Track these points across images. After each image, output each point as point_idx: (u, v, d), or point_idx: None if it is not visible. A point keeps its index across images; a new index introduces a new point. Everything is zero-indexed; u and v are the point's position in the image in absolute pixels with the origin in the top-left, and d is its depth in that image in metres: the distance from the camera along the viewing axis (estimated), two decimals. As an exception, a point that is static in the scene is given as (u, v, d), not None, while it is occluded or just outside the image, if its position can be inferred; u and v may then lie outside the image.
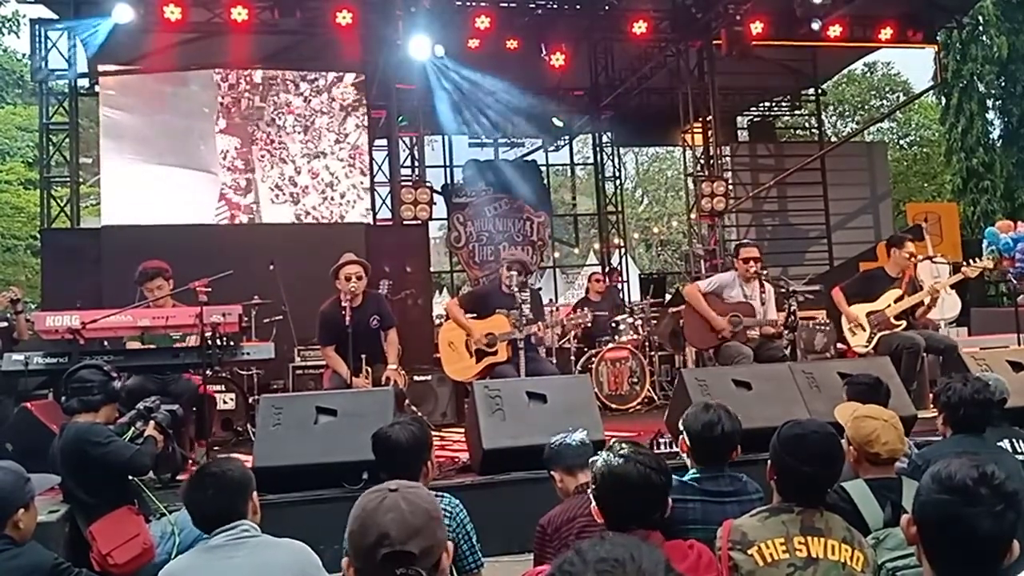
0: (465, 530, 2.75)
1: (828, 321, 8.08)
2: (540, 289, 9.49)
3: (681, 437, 2.88)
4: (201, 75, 10.23)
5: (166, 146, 9.89)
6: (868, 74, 25.29)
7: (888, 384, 3.91)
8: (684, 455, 2.89)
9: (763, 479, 2.51)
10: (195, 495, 2.40)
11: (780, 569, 2.15)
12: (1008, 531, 1.57)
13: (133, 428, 3.71)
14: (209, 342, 4.80)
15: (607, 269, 13.67)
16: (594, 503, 2.23)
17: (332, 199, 10.36)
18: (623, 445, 2.29)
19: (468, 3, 10.42)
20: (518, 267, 5.93)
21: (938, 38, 12.40)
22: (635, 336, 8.31)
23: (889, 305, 6.18)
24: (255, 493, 2.47)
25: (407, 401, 5.96)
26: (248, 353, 5.19)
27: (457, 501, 2.79)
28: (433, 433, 5.27)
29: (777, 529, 2.21)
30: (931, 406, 4.88)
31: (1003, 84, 18.86)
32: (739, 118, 15.80)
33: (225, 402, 6.85)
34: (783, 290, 6.39)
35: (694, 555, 2.15)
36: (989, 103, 19.24)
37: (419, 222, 9.98)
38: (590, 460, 2.40)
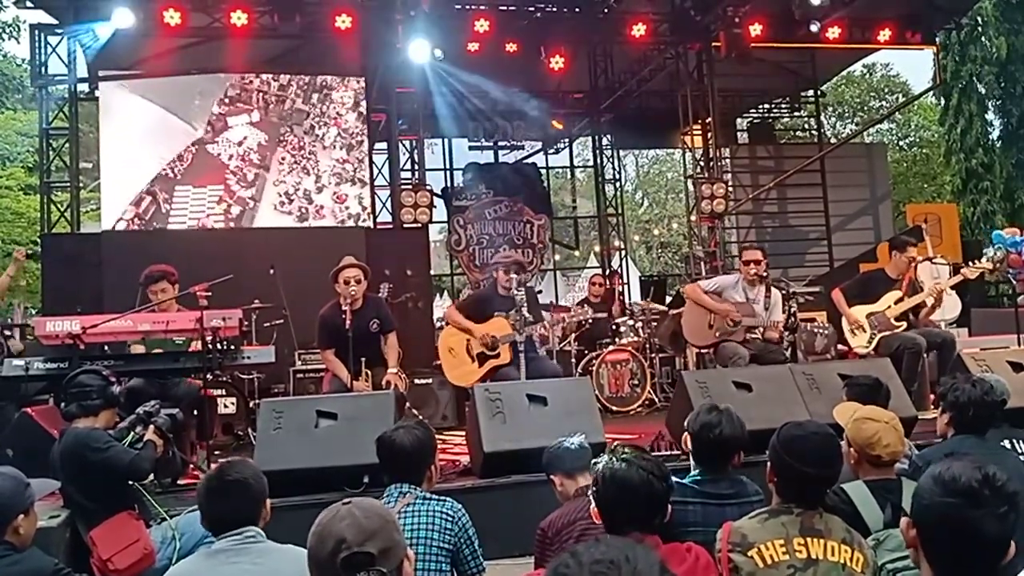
0: (467, 534, 2.74)
1: (828, 323, 8.07)
2: (540, 292, 9.48)
3: (684, 436, 2.88)
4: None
5: (157, 85, 9.75)
6: (867, 75, 25.31)
7: (888, 385, 3.90)
8: (688, 455, 2.88)
9: (763, 481, 2.51)
10: (212, 499, 2.37)
11: (780, 571, 2.15)
12: (1010, 532, 1.57)
13: (133, 433, 3.71)
14: (210, 346, 4.80)
15: (608, 271, 13.68)
16: (593, 504, 2.24)
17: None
18: (626, 449, 2.29)
19: (467, 6, 10.44)
20: (515, 268, 5.93)
21: (937, 39, 12.39)
22: (636, 338, 8.32)
23: (889, 306, 6.18)
24: (268, 500, 2.46)
25: (408, 404, 5.96)
26: (248, 357, 5.19)
27: (459, 505, 2.78)
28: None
29: (777, 531, 2.21)
30: (931, 407, 4.88)
31: (1002, 85, 18.88)
32: (738, 120, 15.79)
33: (226, 406, 6.85)
34: (783, 292, 6.40)
35: (692, 558, 2.15)
36: (988, 104, 19.26)
37: (419, 225, 9.98)
38: (593, 462, 2.40)
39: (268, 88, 10.13)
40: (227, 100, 10.00)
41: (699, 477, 2.74)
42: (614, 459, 2.22)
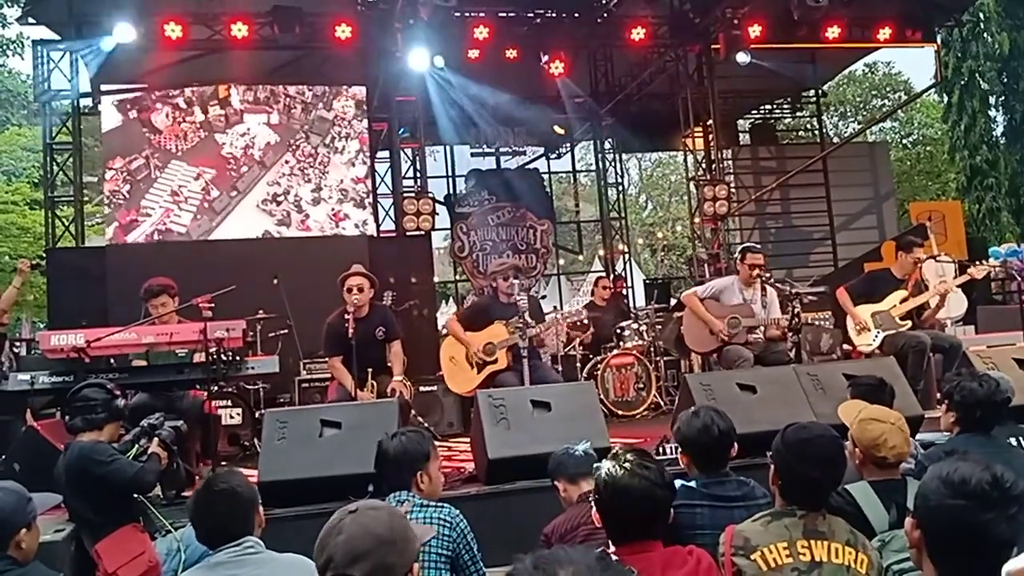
0: (466, 539, 2.74)
1: (832, 317, 8.05)
2: (544, 297, 9.47)
3: (679, 450, 2.87)
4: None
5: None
6: (869, 74, 25.27)
7: (893, 384, 3.88)
8: (685, 467, 2.87)
9: (767, 482, 2.49)
10: (204, 512, 2.38)
11: (784, 573, 2.14)
12: (1017, 532, 1.56)
13: (137, 446, 3.71)
14: (214, 357, 4.80)
15: (613, 276, 13.66)
16: (595, 510, 2.23)
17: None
18: (628, 455, 2.27)
19: (467, 14, 10.45)
20: (513, 273, 5.92)
21: (938, 36, 12.35)
22: (640, 342, 8.30)
23: (895, 305, 6.16)
24: (261, 507, 2.47)
25: (413, 412, 5.95)
26: (253, 368, 5.19)
27: (457, 511, 2.78)
28: (440, 443, 5.27)
29: (780, 533, 2.20)
30: (937, 406, 4.85)
31: (1005, 81, 18.82)
32: (740, 121, 15.78)
33: (232, 417, 6.86)
34: (786, 292, 6.37)
35: (693, 561, 2.14)
36: (992, 100, 19.20)
37: (422, 233, 9.99)
38: (594, 467, 2.39)
39: (300, 95, 10.29)
40: (251, 100, 10.17)
41: (706, 479, 2.73)
42: (615, 466, 2.20)
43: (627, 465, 2.19)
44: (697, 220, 12.29)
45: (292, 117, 10.22)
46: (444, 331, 8.01)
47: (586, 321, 6.41)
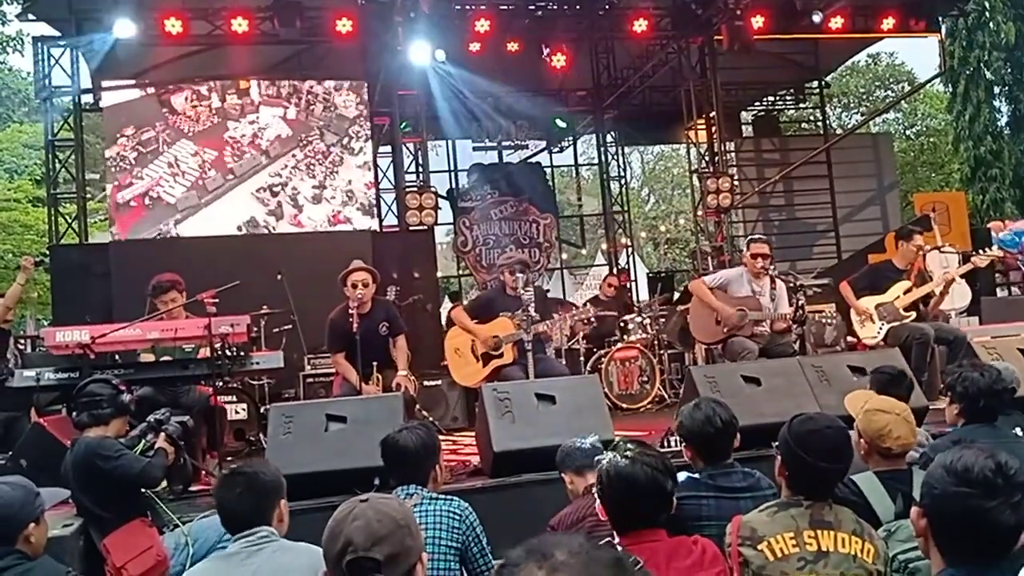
0: (475, 532, 2.75)
1: (837, 314, 8.04)
2: (548, 291, 9.47)
3: (683, 445, 2.87)
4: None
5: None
6: (872, 65, 25.17)
7: (911, 377, 3.89)
8: (689, 461, 2.87)
9: (775, 474, 2.49)
10: (224, 493, 2.42)
11: (790, 563, 2.14)
12: (1023, 519, 1.56)
13: (144, 441, 3.72)
14: (219, 353, 4.81)
15: (617, 270, 13.65)
16: (598, 502, 2.23)
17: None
18: (629, 445, 2.28)
19: (468, 7, 10.42)
20: (520, 267, 5.92)
21: (943, 26, 12.28)
22: (644, 335, 8.30)
23: (898, 297, 6.15)
24: (284, 500, 2.47)
25: (417, 406, 5.96)
26: (258, 363, 5.20)
27: (466, 504, 2.79)
28: (444, 437, 5.28)
29: (786, 523, 2.20)
30: (941, 397, 4.85)
31: (1011, 71, 18.72)
32: (743, 113, 15.73)
33: (237, 412, 6.86)
34: (791, 284, 6.36)
35: (698, 550, 2.15)
36: (997, 90, 19.10)
37: (425, 227, 9.99)
38: (596, 459, 2.40)
39: (325, 93, 10.36)
40: (272, 94, 10.27)
41: (712, 471, 2.74)
42: (618, 457, 2.21)
43: (629, 454, 2.20)
44: (700, 213, 12.27)
45: (312, 115, 10.29)
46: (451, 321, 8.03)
47: (593, 320, 6.40)
